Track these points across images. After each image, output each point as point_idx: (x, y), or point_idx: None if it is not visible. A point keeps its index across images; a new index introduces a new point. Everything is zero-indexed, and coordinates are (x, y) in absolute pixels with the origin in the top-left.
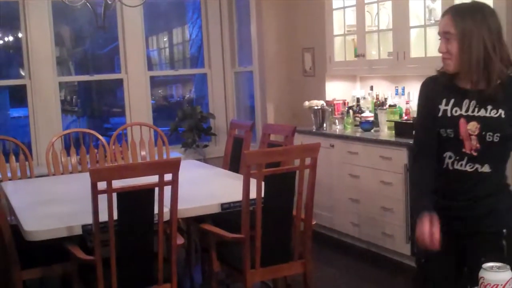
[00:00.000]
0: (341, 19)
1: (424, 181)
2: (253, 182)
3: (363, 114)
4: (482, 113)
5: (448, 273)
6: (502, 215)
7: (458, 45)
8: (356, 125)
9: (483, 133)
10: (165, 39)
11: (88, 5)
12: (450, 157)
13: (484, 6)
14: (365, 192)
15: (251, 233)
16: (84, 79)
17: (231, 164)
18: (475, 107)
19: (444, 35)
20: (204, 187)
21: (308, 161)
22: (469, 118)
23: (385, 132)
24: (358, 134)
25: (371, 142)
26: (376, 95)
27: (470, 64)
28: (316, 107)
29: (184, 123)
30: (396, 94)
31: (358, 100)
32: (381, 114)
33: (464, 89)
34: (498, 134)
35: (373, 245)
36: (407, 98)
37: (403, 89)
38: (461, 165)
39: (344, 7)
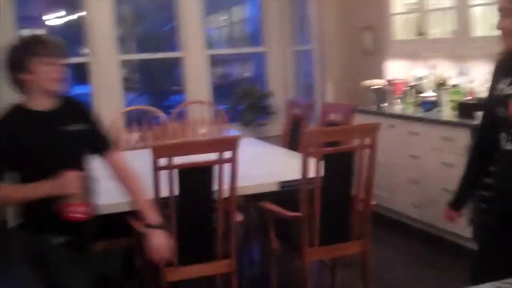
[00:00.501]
0: None
1: (466, 174)
2: (312, 162)
3: (424, 94)
4: None
5: (507, 255)
6: None
7: None
8: (417, 105)
9: None
10: (224, 18)
11: None
12: (503, 138)
13: None
14: (425, 173)
15: (310, 212)
16: (144, 57)
17: (290, 143)
18: None
19: (502, 11)
20: (263, 165)
21: (367, 141)
22: None
23: (447, 112)
24: (419, 114)
25: (433, 122)
26: (439, 74)
27: None
28: (376, 87)
29: (243, 101)
30: (459, 74)
31: (419, 79)
32: (443, 94)
33: None
34: None
35: (434, 227)
36: (470, 78)
37: (467, 69)
38: None
39: None
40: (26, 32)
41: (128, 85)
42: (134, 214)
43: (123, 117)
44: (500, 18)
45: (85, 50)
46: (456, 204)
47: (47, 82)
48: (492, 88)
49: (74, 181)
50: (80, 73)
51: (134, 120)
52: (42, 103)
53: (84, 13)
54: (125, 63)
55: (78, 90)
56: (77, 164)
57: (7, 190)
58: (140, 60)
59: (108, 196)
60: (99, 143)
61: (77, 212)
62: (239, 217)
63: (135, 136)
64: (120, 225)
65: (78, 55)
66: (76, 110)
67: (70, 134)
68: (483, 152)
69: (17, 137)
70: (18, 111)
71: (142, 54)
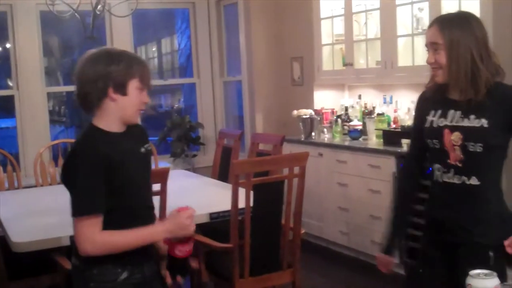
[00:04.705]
0: (329, 29)
1: (399, 208)
2: (242, 191)
3: (351, 123)
4: (465, 123)
5: (440, 282)
6: (490, 226)
7: (446, 55)
8: (344, 134)
9: (466, 143)
10: (154, 49)
11: (77, 15)
12: (438, 169)
13: (470, 15)
14: (353, 201)
15: (240, 242)
16: (72, 89)
17: (220, 174)
18: (459, 117)
19: (431, 46)
20: (193, 196)
21: (296, 170)
22: (453, 129)
23: (373, 140)
24: (346, 143)
25: (360, 150)
26: (364, 103)
27: (459, 73)
28: (304, 116)
29: (173, 133)
30: (384, 102)
31: (346, 109)
32: (370, 122)
33: (451, 100)
34: (481, 144)
35: (362, 254)
36: (395, 107)
37: (391, 97)
38: (448, 177)
39: (332, 17)
40: None
41: (55, 118)
42: (60, 250)
43: (49, 150)
44: (430, 53)
45: (10, 83)
46: (388, 249)
47: (132, 111)
48: (420, 120)
49: (190, 221)
50: (5, 106)
51: (61, 153)
52: (114, 127)
53: (9, 45)
54: (52, 96)
55: (2, 123)
56: (150, 187)
57: (116, 236)
58: (67, 93)
59: (33, 233)
60: None
61: (186, 250)
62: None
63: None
64: (45, 262)
65: (3, 87)
66: (138, 131)
67: (145, 156)
68: (409, 190)
69: (111, 162)
70: (100, 133)
71: (69, 86)
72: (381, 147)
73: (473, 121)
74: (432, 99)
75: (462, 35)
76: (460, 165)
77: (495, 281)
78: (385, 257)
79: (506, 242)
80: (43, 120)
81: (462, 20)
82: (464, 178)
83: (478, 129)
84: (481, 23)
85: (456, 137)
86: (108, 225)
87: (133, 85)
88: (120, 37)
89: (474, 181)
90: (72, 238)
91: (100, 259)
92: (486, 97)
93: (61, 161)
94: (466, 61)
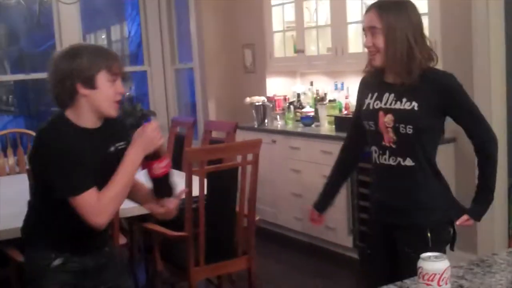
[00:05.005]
0: (281, 15)
1: (331, 176)
2: (195, 179)
3: (303, 110)
4: (397, 105)
5: (385, 262)
6: (427, 208)
7: (384, 39)
8: (297, 121)
9: (397, 125)
10: (103, 36)
11: (22, 2)
12: (375, 151)
13: (407, 1)
14: (307, 187)
15: (194, 230)
16: (19, 78)
17: (173, 162)
18: (393, 100)
19: (370, 29)
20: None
21: (250, 157)
22: (386, 111)
23: (326, 126)
24: (299, 129)
25: (312, 137)
26: (316, 90)
27: (395, 57)
28: (257, 103)
29: (125, 121)
30: (336, 89)
31: (298, 95)
32: (321, 109)
33: (387, 83)
34: (411, 126)
35: (316, 239)
36: (346, 93)
37: (342, 84)
38: (385, 159)
39: (283, 3)
40: None
41: (2, 108)
42: (12, 243)
43: None
44: (368, 36)
45: None
46: (319, 206)
47: (107, 103)
48: (359, 103)
49: (157, 133)
50: None
51: (10, 144)
52: (86, 122)
53: None
54: None
55: None
56: None
57: (110, 189)
58: (15, 81)
59: None
60: None
61: (163, 166)
62: (122, 239)
63: (10, 160)
64: None
65: None
66: (115, 128)
67: (112, 156)
68: (346, 161)
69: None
70: (68, 126)
71: (17, 75)
72: (333, 133)
73: (404, 104)
74: (370, 83)
75: (399, 19)
76: (394, 146)
77: (446, 263)
78: (316, 214)
79: (457, 222)
80: None
81: (399, 5)
82: (399, 159)
83: (409, 111)
84: (417, 9)
85: (388, 119)
86: (59, 218)
87: (102, 77)
88: (68, 24)
89: (408, 162)
90: (22, 230)
91: (35, 244)
92: (419, 80)
93: (9, 151)
94: (402, 45)
